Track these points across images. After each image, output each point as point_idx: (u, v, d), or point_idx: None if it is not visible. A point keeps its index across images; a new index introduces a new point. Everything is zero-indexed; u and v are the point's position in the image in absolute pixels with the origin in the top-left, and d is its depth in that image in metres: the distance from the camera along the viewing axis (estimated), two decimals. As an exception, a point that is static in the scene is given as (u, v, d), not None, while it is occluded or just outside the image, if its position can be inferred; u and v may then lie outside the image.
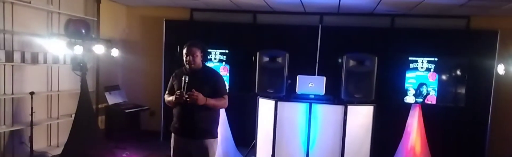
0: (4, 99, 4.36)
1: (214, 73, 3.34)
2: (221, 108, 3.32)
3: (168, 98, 3.28)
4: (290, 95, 4.81)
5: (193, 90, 3.02)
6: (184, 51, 3.19)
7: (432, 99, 4.98)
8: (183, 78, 3.07)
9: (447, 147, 5.46)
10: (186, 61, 3.18)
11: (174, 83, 3.30)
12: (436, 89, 4.99)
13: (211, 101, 3.12)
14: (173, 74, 3.37)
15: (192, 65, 3.18)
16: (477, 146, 5.54)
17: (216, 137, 3.29)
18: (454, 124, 5.48)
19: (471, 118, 5.49)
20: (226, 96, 3.28)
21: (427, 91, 5.00)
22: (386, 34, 5.72)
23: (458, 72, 5.16)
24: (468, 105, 5.19)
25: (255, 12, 6.13)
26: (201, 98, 3.03)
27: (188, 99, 3.01)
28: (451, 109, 5.29)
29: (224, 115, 5.11)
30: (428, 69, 5.00)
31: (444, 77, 5.03)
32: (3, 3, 4.25)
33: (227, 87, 5.30)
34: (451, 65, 5.12)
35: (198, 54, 3.18)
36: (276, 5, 5.57)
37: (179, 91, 3.07)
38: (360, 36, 5.69)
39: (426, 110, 5.10)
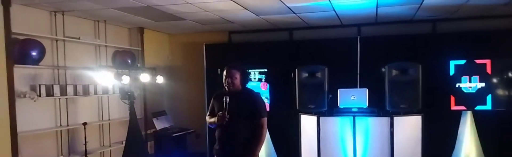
0: (61, 130, 4.65)
1: (253, 95, 3.36)
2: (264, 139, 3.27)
3: (210, 119, 3.37)
4: (332, 109, 4.74)
5: None
6: (224, 73, 3.28)
7: (484, 104, 4.69)
8: (224, 99, 3.13)
9: (505, 155, 5.01)
10: (225, 83, 3.26)
11: (214, 104, 3.38)
12: (488, 93, 4.71)
13: (256, 149, 3.18)
14: (214, 95, 3.45)
15: (231, 87, 3.26)
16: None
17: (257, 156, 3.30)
18: (510, 130, 5.04)
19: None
20: (264, 119, 3.27)
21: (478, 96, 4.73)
22: (429, 40, 5.47)
23: (510, 74, 4.81)
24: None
25: (291, 29, 6.15)
26: None
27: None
28: (506, 114, 4.89)
29: (267, 133, 5.09)
30: (477, 73, 4.73)
31: (495, 80, 4.73)
32: (56, 41, 4.62)
33: (268, 105, 5.40)
34: (502, 67, 4.81)
35: (238, 76, 3.25)
36: (312, 21, 5.58)
37: (220, 112, 3.14)
38: (401, 44, 5.50)
39: (478, 116, 4.82)
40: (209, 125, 3.42)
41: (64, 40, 4.68)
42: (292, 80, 5.13)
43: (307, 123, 4.69)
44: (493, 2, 4.49)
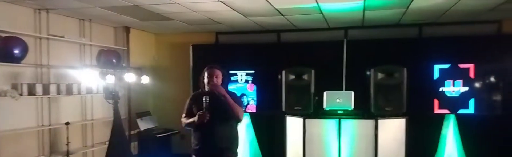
0: (42, 130, 4.57)
1: (231, 93, 3.42)
2: (237, 115, 3.28)
3: (187, 120, 3.33)
4: (318, 111, 4.76)
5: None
6: (207, 72, 3.33)
7: (466, 108, 4.78)
8: (204, 98, 3.14)
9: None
10: (208, 81, 3.29)
11: (193, 105, 3.35)
12: (471, 97, 4.79)
13: (230, 98, 3.22)
14: (191, 96, 3.45)
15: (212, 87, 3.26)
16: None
17: (237, 155, 3.35)
18: (492, 133, 5.12)
19: (510, 127, 5.10)
20: (242, 108, 3.37)
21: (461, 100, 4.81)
22: (415, 44, 5.55)
23: (492, 79, 4.92)
24: (505, 113, 4.91)
25: (278, 31, 6.16)
26: (221, 87, 3.23)
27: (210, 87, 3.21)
28: (488, 117, 4.99)
29: (253, 134, 5.12)
30: (460, 77, 4.81)
31: (477, 84, 4.82)
32: (40, 39, 4.54)
33: (255, 106, 5.41)
34: (485, 71, 4.92)
35: (220, 76, 3.32)
36: (299, 23, 5.60)
37: (201, 111, 3.14)
38: (387, 48, 5.56)
39: (461, 119, 4.91)
40: (186, 127, 3.39)
41: (48, 38, 4.61)
42: (279, 82, 5.14)
43: (293, 124, 4.70)
44: (477, 7, 4.56)
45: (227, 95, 3.23)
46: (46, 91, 4.47)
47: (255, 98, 5.45)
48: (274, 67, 5.51)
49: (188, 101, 3.43)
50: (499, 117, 4.94)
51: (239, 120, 3.36)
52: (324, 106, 4.71)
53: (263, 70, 5.61)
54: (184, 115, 3.42)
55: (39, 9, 4.49)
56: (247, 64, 5.63)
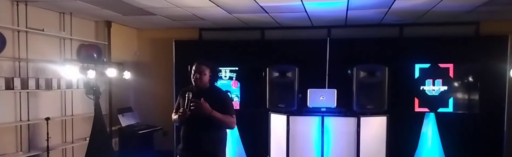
0: (21, 125, 4.45)
1: (221, 93, 3.27)
2: (228, 126, 3.19)
3: (174, 116, 3.26)
4: (302, 109, 4.80)
5: (201, 98, 2.96)
6: (193, 68, 3.16)
7: (446, 106, 4.90)
8: (186, 95, 3.02)
9: (464, 155, 5.25)
10: (193, 78, 3.15)
11: (180, 101, 3.26)
12: (450, 96, 4.91)
13: (217, 114, 3.01)
14: (181, 92, 3.32)
15: (199, 83, 3.15)
16: (495, 153, 5.32)
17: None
18: (469, 131, 5.29)
19: (486, 125, 5.29)
20: (234, 116, 3.18)
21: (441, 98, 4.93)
22: (396, 44, 5.66)
23: (471, 79, 5.05)
24: (482, 112, 5.04)
25: (263, 28, 6.17)
26: (206, 107, 2.96)
27: (192, 108, 2.95)
28: (466, 116, 5.13)
29: (236, 132, 5.12)
30: (440, 77, 4.93)
31: (456, 84, 4.95)
32: (18, 32, 4.41)
33: (238, 104, 5.41)
34: (463, 71, 5.04)
35: (207, 73, 3.15)
36: (283, 21, 5.61)
37: (182, 108, 3.02)
38: (369, 47, 5.66)
39: (440, 118, 5.02)
40: (175, 123, 3.32)
41: (26, 32, 4.48)
42: (263, 79, 5.14)
43: (277, 122, 4.73)
44: (457, 9, 4.68)
45: (215, 113, 3.00)
46: (24, 85, 4.35)
47: (239, 95, 5.45)
48: (258, 64, 5.50)
49: (178, 97, 3.33)
50: (477, 115, 5.08)
51: (231, 128, 3.25)
52: (308, 104, 4.75)
53: (247, 67, 5.60)
54: (174, 110, 3.35)
55: (17, 2, 4.35)
56: (231, 61, 5.61)
